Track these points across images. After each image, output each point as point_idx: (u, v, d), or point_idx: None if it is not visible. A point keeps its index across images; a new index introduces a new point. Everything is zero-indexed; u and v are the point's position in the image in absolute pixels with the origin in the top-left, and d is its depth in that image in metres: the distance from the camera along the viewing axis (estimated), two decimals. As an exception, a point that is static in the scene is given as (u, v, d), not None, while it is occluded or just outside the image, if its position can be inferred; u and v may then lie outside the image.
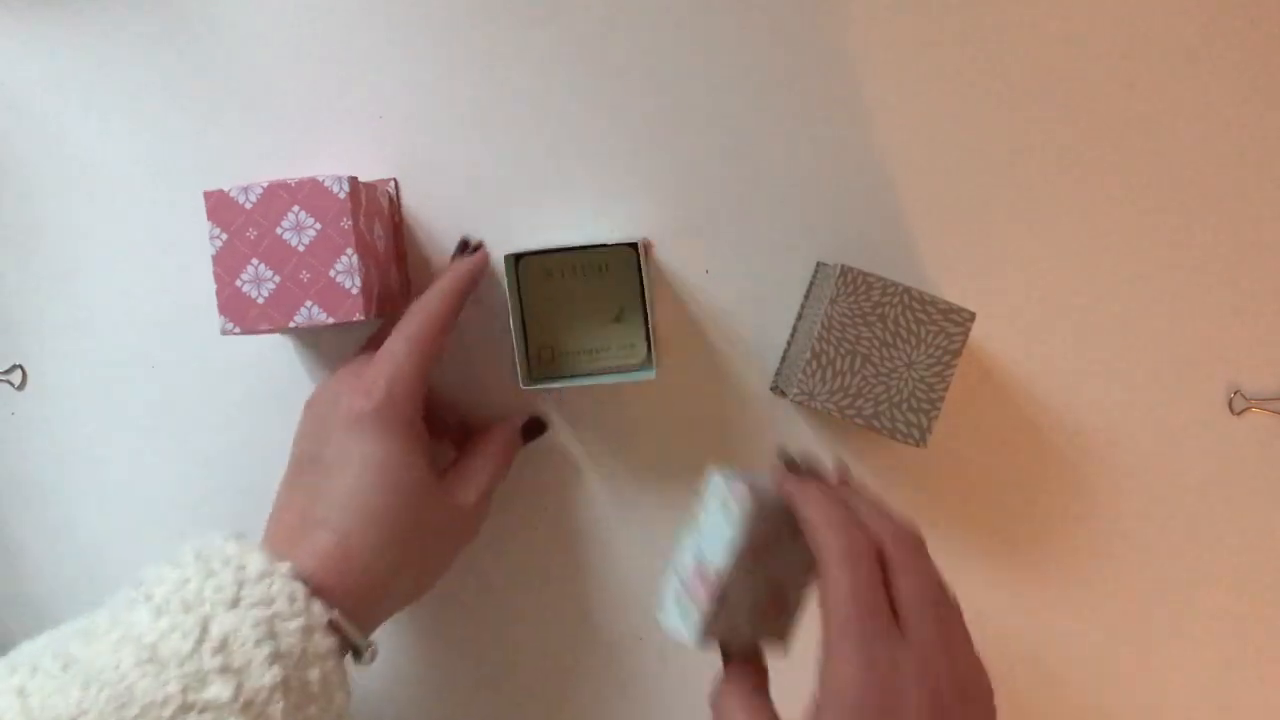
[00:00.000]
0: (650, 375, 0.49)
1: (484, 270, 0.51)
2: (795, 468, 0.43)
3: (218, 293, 0.46)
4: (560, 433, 0.54)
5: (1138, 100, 0.52)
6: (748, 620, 0.40)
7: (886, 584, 0.37)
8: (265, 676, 0.38)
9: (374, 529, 0.43)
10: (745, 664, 0.41)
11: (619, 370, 0.51)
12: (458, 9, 0.53)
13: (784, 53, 0.53)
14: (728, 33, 0.53)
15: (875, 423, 0.46)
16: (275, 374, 0.54)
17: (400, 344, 0.46)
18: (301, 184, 0.46)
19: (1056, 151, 0.53)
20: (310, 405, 0.47)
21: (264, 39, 0.53)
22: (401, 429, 0.44)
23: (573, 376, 0.52)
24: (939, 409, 0.46)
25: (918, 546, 0.39)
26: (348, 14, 0.53)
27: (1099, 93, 0.52)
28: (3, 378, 0.55)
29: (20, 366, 0.55)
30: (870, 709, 0.35)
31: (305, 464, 0.46)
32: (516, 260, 0.50)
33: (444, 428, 0.53)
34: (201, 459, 0.55)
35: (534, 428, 0.53)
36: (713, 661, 0.41)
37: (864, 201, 0.53)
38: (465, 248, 0.52)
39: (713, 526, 0.41)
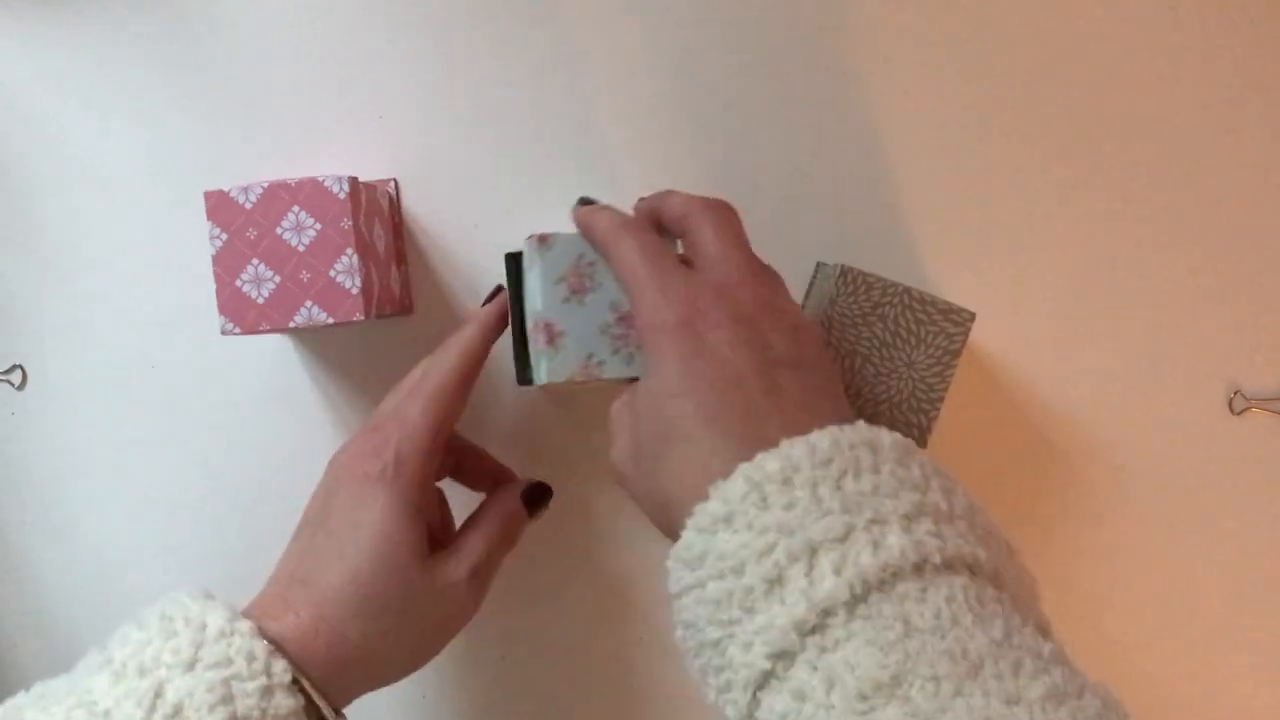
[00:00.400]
0: None
1: (505, 316, 0.49)
2: (590, 204, 0.44)
3: (218, 293, 0.46)
4: (558, 432, 0.54)
5: (1138, 100, 0.52)
6: (607, 347, 0.44)
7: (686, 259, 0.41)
8: None
9: (352, 597, 0.41)
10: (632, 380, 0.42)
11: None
12: (458, 9, 0.53)
13: (784, 53, 0.53)
14: (728, 33, 0.52)
15: (875, 423, 0.46)
16: (275, 374, 0.54)
17: (415, 405, 0.44)
18: (301, 184, 0.46)
19: (1057, 152, 0.53)
20: (332, 462, 0.46)
21: (264, 39, 0.53)
22: (405, 497, 0.43)
23: None
24: (939, 409, 0.46)
25: (712, 206, 0.41)
26: (348, 14, 0.53)
27: (1099, 93, 0.52)
28: (3, 378, 0.55)
29: (20, 366, 0.55)
30: (674, 324, 0.38)
31: (310, 521, 0.45)
32: (516, 259, 0.50)
33: (476, 477, 0.51)
34: (201, 459, 0.55)
35: (538, 495, 0.49)
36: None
37: (864, 201, 0.53)
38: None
39: (528, 286, 0.45)
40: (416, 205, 0.54)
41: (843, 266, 0.46)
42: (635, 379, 0.43)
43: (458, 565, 0.44)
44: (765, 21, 0.52)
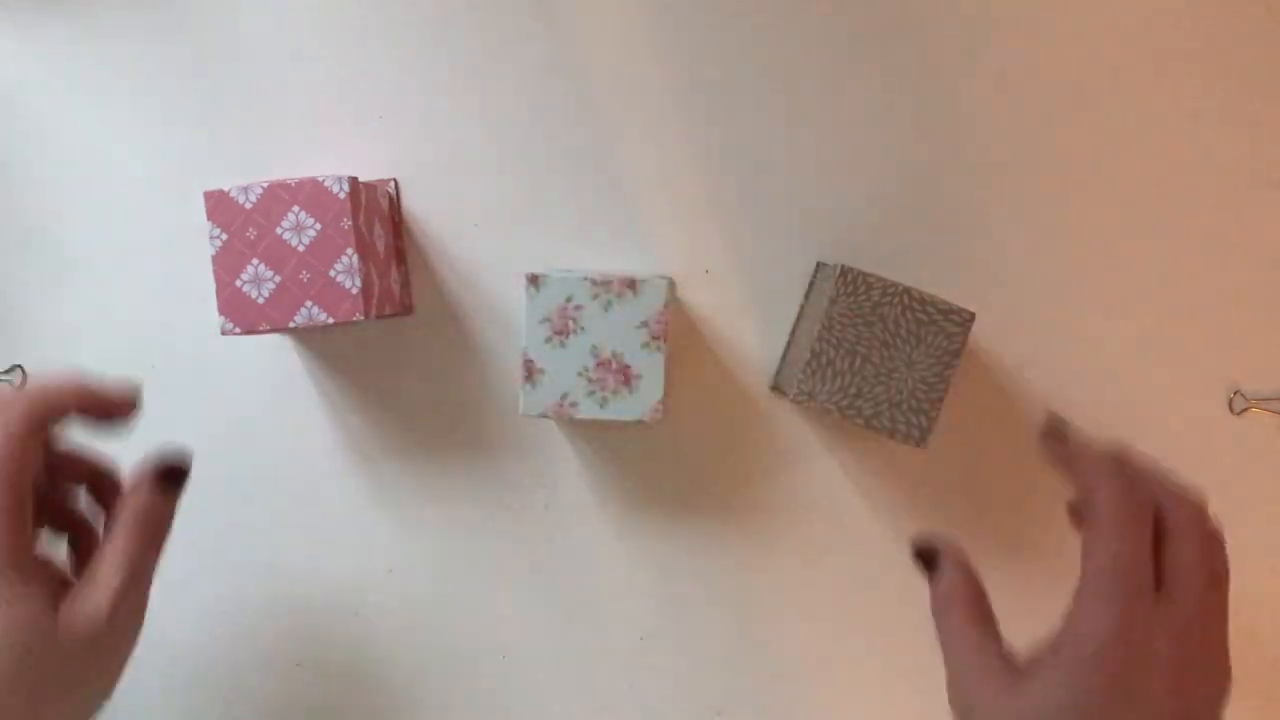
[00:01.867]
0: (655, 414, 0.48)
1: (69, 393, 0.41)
2: (1057, 430, 0.42)
3: (218, 293, 0.46)
4: (557, 432, 0.54)
5: (1137, 100, 0.52)
6: (582, 389, 0.47)
7: (1159, 548, 0.36)
8: None
9: (10, 699, 0.36)
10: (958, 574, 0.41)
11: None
12: (458, 10, 0.53)
13: (783, 53, 0.53)
14: (726, 34, 0.53)
15: (875, 423, 0.46)
16: (275, 374, 0.54)
17: None
18: (301, 184, 0.46)
19: (1056, 151, 0.53)
20: None
21: (265, 39, 0.53)
22: (8, 572, 0.37)
23: None
24: (939, 409, 0.46)
25: (1200, 515, 0.38)
26: (348, 14, 0.53)
27: (1099, 93, 0.52)
28: (3, 378, 0.55)
29: (20, 366, 0.55)
30: (1112, 662, 0.34)
31: None
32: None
33: (74, 474, 0.43)
34: (201, 459, 0.54)
35: (173, 476, 0.41)
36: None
37: (864, 201, 0.53)
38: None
39: (523, 320, 0.47)
40: (416, 205, 0.54)
41: (843, 266, 0.46)
42: (609, 420, 0.47)
43: (97, 604, 0.38)
44: (764, 23, 0.52)
